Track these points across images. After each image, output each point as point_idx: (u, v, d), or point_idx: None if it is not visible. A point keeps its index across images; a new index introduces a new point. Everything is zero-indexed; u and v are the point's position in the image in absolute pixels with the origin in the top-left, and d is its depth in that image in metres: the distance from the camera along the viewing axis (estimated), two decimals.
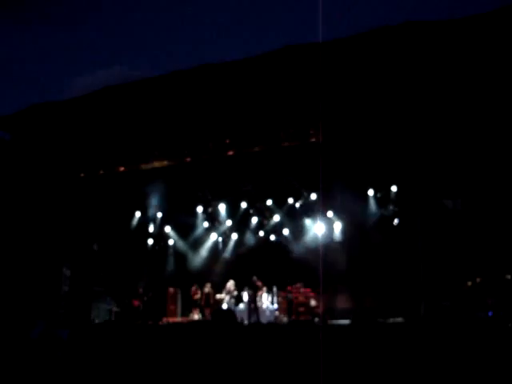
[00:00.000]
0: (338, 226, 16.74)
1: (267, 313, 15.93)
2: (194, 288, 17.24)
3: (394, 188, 15.28)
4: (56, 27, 57.75)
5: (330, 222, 16.87)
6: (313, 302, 15.63)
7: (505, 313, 11.33)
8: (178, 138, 15.18)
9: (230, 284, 16.85)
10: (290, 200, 17.09)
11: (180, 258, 18.87)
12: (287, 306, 15.80)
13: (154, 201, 17.07)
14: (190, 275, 18.29)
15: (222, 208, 18.01)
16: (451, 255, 13.06)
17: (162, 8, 55.87)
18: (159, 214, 17.98)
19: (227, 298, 16.64)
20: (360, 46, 12.55)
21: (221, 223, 18.47)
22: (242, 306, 16.21)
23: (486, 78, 11.97)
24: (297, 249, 17.38)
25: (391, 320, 12.71)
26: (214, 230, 18.68)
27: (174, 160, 15.62)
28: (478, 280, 13.16)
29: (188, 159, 15.48)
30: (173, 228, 18.61)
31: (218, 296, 16.92)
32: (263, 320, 15.45)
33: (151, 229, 18.39)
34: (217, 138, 14.96)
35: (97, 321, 15.58)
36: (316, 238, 17.12)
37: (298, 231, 17.51)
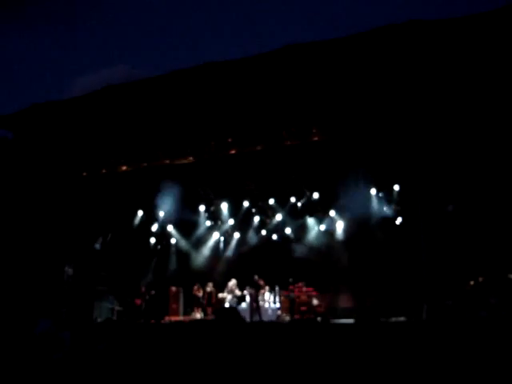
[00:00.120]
0: (340, 225, 16.74)
1: (269, 312, 15.94)
2: (196, 287, 17.26)
3: (396, 187, 15.27)
4: (58, 26, 57.78)
5: (332, 221, 16.88)
6: (315, 301, 15.63)
7: (507, 312, 11.30)
8: (181, 136, 15.18)
9: (232, 283, 16.86)
10: (293, 199, 17.09)
11: (182, 256, 18.89)
12: (289, 305, 15.80)
13: (156, 200, 17.07)
14: (192, 274, 18.30)
15: (225, 207, 18.02)
16: (453, 254, 13.03)
17: (165, 6, 55.85)
18: (161, 213, 17.99)
19: (229, 297, 16.65)
20: (362, 44, 12.53)
21: (223, 222, 18.48)
22: (244, 305, 16.23)
23: (490, 77, 11.93)
24: (299, 248, 17.38)
25: (393, 319, 12.70)
26: (217, 229, 18.69)
27: (176, 159, 15.63)
28: (480, 279, 13.13)
29: (190, 158, 15.49)
30: (175, 227, 18.63)
31: (220, 295, 16.94)
32: (265, 319, 15.45)
33: (153, 228, 18.41)
34: (219, 136, 14.95)
35: (99, 320, 15.59)
36: (318, 237, 17.14)
37: (300, 230, 17.51)
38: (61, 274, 15.99)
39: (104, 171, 16.28)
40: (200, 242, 18.76)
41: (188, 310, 17.63)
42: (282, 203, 17.36)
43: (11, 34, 56.51)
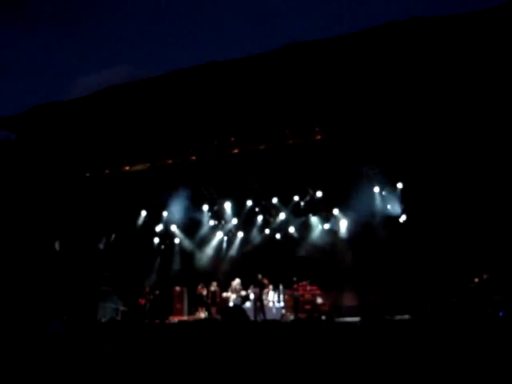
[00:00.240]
0: (344, 224, 16.72)
1: (273, 311, 15.93)
2: (200, 286, 17.27)
3: (400, 185, 15.23)
4: (59, 27, 57.91)
5: (336, 220, 16.86)
6: (319, 300, 15.62)
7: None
8: (183, 136, 15.18)
9: (236, 282, 16.86)
10: (296, 198, 17.08)
11: (186, 256, 18.89)
12: (293, 303, 15.79)
13: (159, 200, 17.08)
14: (196, 274, 18.31)
15: (228, 206, 18.01)
16: (458, 252, 13.00)
17: (166, 6, 55.84)
18: (165, 213, 18.00)
19: (233, 296, 16.65)
20: (364, 42, 12.51)
21: (226, 221, 18.48)
22: (248, 304, 16.22)
23: (492, 74, 11.90)
24: (303, 247, 17.37)
25: (398, 317, 12.67)
26: (220, 229, 18.70)
27: (179, 159, 15.63)
28: (484, 277, 13.10)
29: (193, 158, 15.49)
30: (179, 227, 18.64)
31: (225, 294, 16.94)
32: (269, 318, 15.44)
33: (157, 228, 18.43)
34: (222, 136, 14.96)
35: (103, 320, 15.62)
36: (322, 235, 17.12)
37: (304, 229, 17.49)
38: (64, 275, 16.02)
39: (107, 171, 16.32)
40: (204, 242, 18.76)
41: (192, 310, 17.65)
42: (286, 202, 17.34)
43: (12, 34, 56.70)
